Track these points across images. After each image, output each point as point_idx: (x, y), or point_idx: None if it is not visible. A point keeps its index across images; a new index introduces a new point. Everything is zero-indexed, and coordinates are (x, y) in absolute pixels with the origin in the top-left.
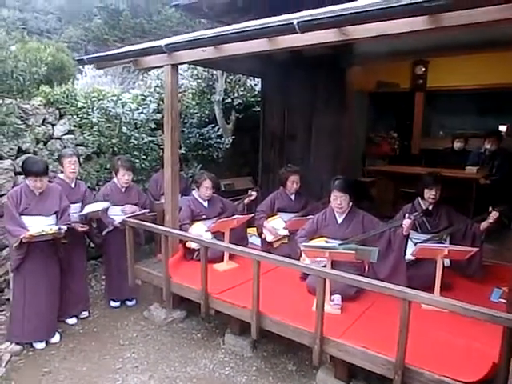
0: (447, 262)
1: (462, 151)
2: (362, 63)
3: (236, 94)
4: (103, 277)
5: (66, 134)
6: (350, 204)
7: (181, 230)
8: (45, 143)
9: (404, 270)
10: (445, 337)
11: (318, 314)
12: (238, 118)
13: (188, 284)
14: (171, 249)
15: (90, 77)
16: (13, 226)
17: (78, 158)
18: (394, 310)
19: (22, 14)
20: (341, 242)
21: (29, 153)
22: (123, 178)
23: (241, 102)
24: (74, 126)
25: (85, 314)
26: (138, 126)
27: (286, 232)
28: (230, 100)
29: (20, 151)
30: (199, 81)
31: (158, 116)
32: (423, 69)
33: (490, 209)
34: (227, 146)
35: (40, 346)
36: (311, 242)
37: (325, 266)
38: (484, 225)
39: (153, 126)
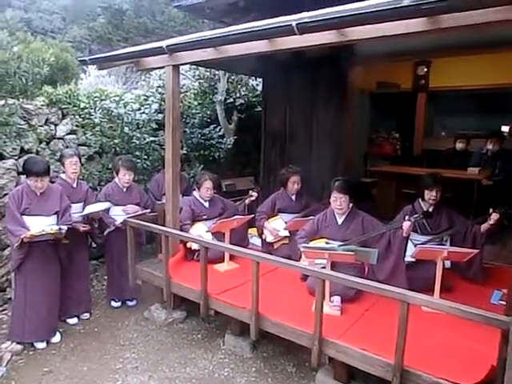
0: (448, 263)
1: (464, 152)
2: (363, 64)
3: (238, 94)
4: (104, 277)
5: (68, 134)
6: (351, 205)
7: (181, 230)
8: (47, 143)
9: (403, 272)
10: (444, 339)
11: (317, 315)
12: (240, 118)
13: (188, 284)
14: (172, 249)
15: (93, 77)
16: (14, 226)
17: (80, 158)
18: (393, 311)
19: (27, 14)
20: (341, 243)
21: (31, 153)
22: (124, 177)
23: (243, 102)
24: (77, 126)
25: (86, 315)
26: (140, 126)
27: (286, 233)
28: (231, 100)
29: (23, 151)
30: (201, 81)
31: (160, 116)
32: (425, 69)
33: (491, 210)
34: (229, 146)
35: (41, 345)
36: (311, 243)
37: (324, 268)
38: (484, 226)
39: (155, 126)
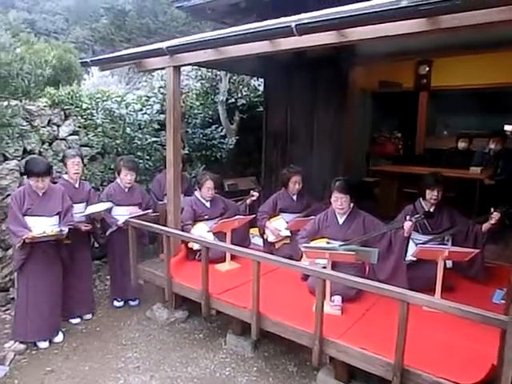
0: (449, 263)
1: (467, 151)
2: (364, 63)
3: (240, 95)
4: (107, 277)
5: (70, 135)
6: (351, 205)
7: (183, 230)
8: (50, 144)
9: (404, 272)
10: (445, 338)
11: (318, 314)
12: (242, 119)
13: (189, 284)
14: (173, 249)
15: (96, 77)
16: (16, 227)
17: (82, 159)
18: (394, 311)
19: (31, 15)
20: (342, 243)
21: (34, 153)
22: (126, 178)
23: (244, 102)
24: (79, 126)
25: (88, 316)
26: (142, 127)
27: (288, 232)
28: (233, 100)
29: (25, 152)
30: (203, 81)
31: (162, 117)
32: (427, 68)
33: (492, 209)
34: (231, 147)
35: (43, 345)
36: (312, 243)
37: (325, 268)
38: (486, 226)
39: (156, 126)
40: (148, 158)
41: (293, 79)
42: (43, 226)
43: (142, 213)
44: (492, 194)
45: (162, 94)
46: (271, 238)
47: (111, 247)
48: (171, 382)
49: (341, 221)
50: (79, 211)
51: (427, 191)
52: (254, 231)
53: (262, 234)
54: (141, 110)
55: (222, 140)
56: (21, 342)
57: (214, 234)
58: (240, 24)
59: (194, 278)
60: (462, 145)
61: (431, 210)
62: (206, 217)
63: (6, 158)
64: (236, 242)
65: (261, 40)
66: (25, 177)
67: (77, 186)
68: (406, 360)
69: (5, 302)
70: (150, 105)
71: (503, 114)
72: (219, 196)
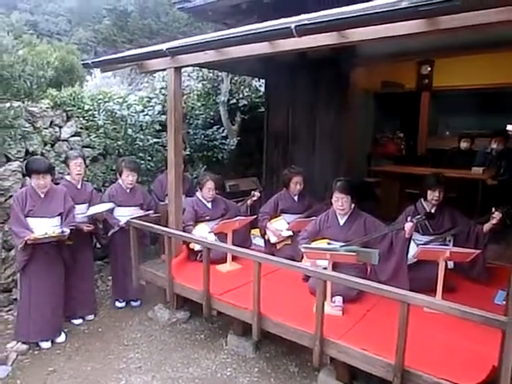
0: (451, 264)
1: (469, 151)
2: (366, 64)
3: (241, 95)
4: (109, 277)
5: (72, 136)
6: (352, 206)
7: (184, 231)
8: (52, 145)
9: (406, 273)
10: (446, 339)
11: (318, 315)
12: (244, 119)
13: (191, 285)
14: (174, 250)
15: (99, 78)
16: (18, 228)
17: (84, 160)
18: (395, 312)
19: (33, 16)
20: (343, 243)
21: (36, 154)
22: (127, 178)
23: (246, 103)
24: (81, 128)
25: (90, 317)
26: (144, 128)
27: (289, 232)
28: (235, 101)
29: (28, 153)
30: (204, 82)
31: (163, 118)
32: (429, 68)
33: (493, 209)
34: (232, 147)
35: (46, 345)
36: (313, 244)
37: (325, 269)
38: (487, 226)
39: (158, 127)
40: (149, 158)
41: (294, 80)
42: (45, 227)
43: (144, 214)
44: (494, 194)
45: (163, 95)
46: (273, 239)
47: (113, 248)
48: (172, 382)
49: (342, 222)
50: (81, 212)
51: (428, 192)
52: (255, 232)
53: (263, 235)
54: (142, 111)
55: (223, 141)
56: (23, 343)
57: (215, 234)
58: (241, 25)
59: (195, 279)
60: (464, 145)
61: (432, 210)
62: (208, 217)
63: (8, 160)
64: (237, 242)
65: (261, 41)
66: (27, 178)
67: (79, 186)
68: (406, 361)
69: (7, 303)
70: (151, 106)
71: (505, 113)
72: (220, 197)
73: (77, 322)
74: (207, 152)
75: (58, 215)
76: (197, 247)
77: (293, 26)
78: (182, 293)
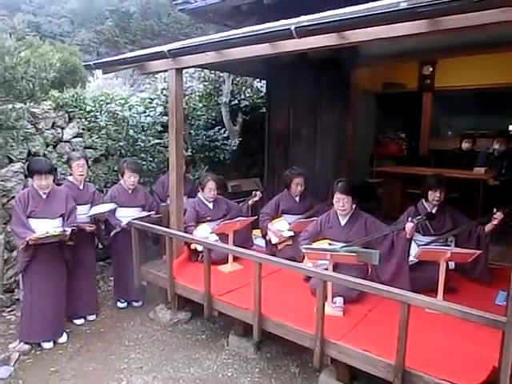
0: (452, 264)
1: (471, 152)
2: (367, 64)
3: (243, 96)
4: (111, 278)
5: (74, 137)
6: (354, 206)
7: (186, 231)
8: (54, 146)
9: (407, 273)
10: (447, 340)
11: (319, 316)
12: (245, 120)
13: (192, 285)
14: (176, 250)
15: (101, 79)
16: (20, 228)
17: (87, 161)
18: (396, 312)
19: (36, 18)
20: (344, 244)
21: (39, 156)
22: (129, 179)
23: (247, 103)
24: (83, 129)
25: (92, 317)
26: (145, 129)
27: (290, 232)
28: (236, 102)
29: (30, 154)
30: (206, 83)
31: (165, 119)
32: (431, 69)
33: (495, 210)
34: (234, 148)
35: (48, 345)
36: (314, 244)
37: (326, 269)
38: (489, 227)
39: (159, 128)
40: (151, 159)
41: (296, 80)
42: (47, 228)
43: (145, 214)
44: (496, 195)
45: (164, 96)
46: (274, 240)
47: (115, 248)
48: (174, 382)
49: (343, 222)
50: (84, 213)
51: (429, 192)
52: (256, 232)
53: (264, 236)
54: (144, 112)
55: (225, 141)
56: (25, 343)
57: (216, 235)
58: (242, 26)
59: (196, 280)
60: (466, 145)
61: (433, 211)
62: (209, 218)
63: (10, 161)
64: (239, 243)
65: (261, 43)
66: (29, 179)
67: (81, 187)
68: (407, 362)
69: (10, 303)
70: (153, 107)
71: (507, 114)
72: (222, 197)
73: (78, 322)
74: (209, 153)
75: (60, 216)
76: (198, 248)
77: (293, 27)
78: (183, 293)
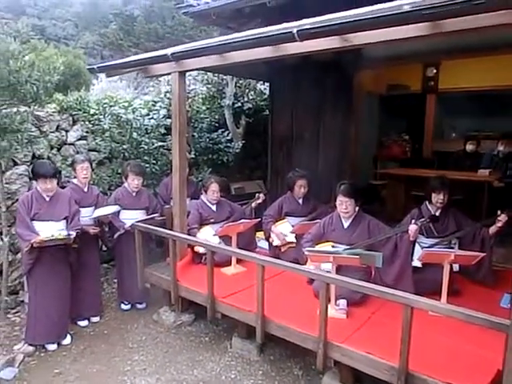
0: (456, 266)
1: (475, 153)
2: (371, 66)
3: (246, 99)
4: (114, 280)
5: (78, 140)
6: (357, 209)
7: (189, 234)
8: (58, 149)
9: (410, 276)
10: (451, 343)
11: (322, 318)
12: (248, 123)
13: (195, 288)
14: (179, 253)
15: (105, 82)
16: (24, 231)
17: (91, 164)
18: (400, 315)
19: (41, 21)
20: (347, 246)
21: (43, 158)
22: (133, 182)
23: (251, 106)
24: (87, 131)
25: (96, 319)
26: (149, 132)
27: (293, 238)
28: (239, 104)
29: (34, 157)
30: (209, 86)
31: (168, 121)
32: (434, 70)
33: (499, 212)
34: (237, 150)
35: (52, 347)
36: (317, 247)
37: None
38: (493, 229)
39: (163, 131)
40: (154, 162)
41: (299, 83)
42: (51, 230)
43: (149, 217)
44: (501, 197)
45: (168, 98)
46: (277, 242)
47: (118, 250)
48: None
49: (346, 225)
50: (88, 215)
51: (433, 194)
52: (260, 235)
53: (267, 238)
54: (147, 114)
55: (228, 144)
56: (30, 345)
57: (220, 237)
58: (245, 28)
59: (199, 282)
60: (470, 147)
61: (437, 213)
62: (212, 220)
63: (15, 164)
64: (242, 245)
65: (263, 46)
66: (34, 182)
67: (85, 190)
68: (411, 364)
69: (14, 305)
70: (156, 110)
71: None
72: (225, 199)
73: (82, 323)
74: (212, 155)
75: (64, 219)
76: (201, 250)
77: (295, 30)
78: (186, 295)
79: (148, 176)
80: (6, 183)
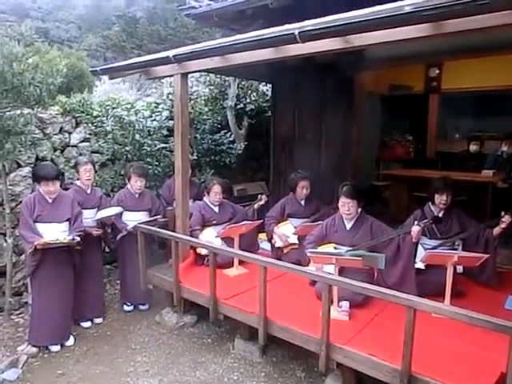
0: (460, 268)
1: (478, 154)
2: (373, 67)
3: (248, 100)
4: (117, 281)
5: (81, 142)
6: (359, 210)
7: (191, 235)
8: (61, 151)
9: (413, 277)
10: (454, 345)
11: (324, 320)
12: (251, 124)
13: (198, 289)
14: (182, 254)
15: (108, 84)
16: (27, 233)
17: (94, 165)
18: (403, 316)
19: (45, 23)
20: (349, 248)
21: (46, 160)
22: (136, 184)
23: (253, 107)
24: (90, 133)
25: (99, 320)
26: (151, 133)
27: (295, 240)
28: (242, 106)
29: (38, 159)
30: (211, 87)
31: (171, 123)
32: (437, 71)
33: (503, 213)
34: (240, 152)
35: (55, 348)
36: (320, 248)
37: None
38: (497, 230)
39: (165, 132)
40: (157, 163)
41: (301, 84)
42: (53, 232)
43: (152, 218)
44: (505, 198)
45: (170, 100)
46: (279, 244)
47: (121, 252)
48: None
49: (348, 226)
50: (91, 217)
51: (436, 195)
52: (262, 236)
53: (269, 239)
54: (150, 116)
55: (230, 145)
56: (33, 346)
57: (222, 238)
58: (248, 29)
59: (202, 283)
60: (473, 148)
61: (440, 214)
62: (215, 222)
63: (19, 165)
64: (244, 246)
65: (265, 47)
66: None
67: (89, 191)
68: (414, 367)
69: (18, 306)
70: (158, 111)
71: None
72: (227, 201)
73: (85, 324)
74: (215, 156)
75: (67, 220)
76: (204, 251)
77: (296, 32)
78: (189, 297)
79: (151, 178)
80: (10, 185)
